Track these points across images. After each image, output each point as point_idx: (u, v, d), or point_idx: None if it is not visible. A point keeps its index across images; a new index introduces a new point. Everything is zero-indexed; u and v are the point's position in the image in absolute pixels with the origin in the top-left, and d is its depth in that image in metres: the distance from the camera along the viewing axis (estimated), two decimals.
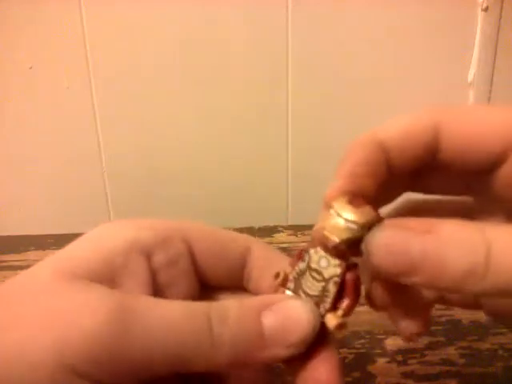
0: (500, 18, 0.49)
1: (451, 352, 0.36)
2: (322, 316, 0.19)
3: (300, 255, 0.20)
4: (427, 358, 0.35)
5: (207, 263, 0.23)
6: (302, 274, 0.19)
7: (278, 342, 0.18)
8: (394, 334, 0.37)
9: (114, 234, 0.21)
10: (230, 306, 0.19)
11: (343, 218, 0.18)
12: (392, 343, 0.37)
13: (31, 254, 0.53)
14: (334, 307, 0.19)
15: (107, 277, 0.19)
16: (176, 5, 0.49)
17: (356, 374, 0.34)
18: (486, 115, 0.19)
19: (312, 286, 0.19)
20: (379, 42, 0.51)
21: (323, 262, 0.19)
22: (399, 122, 0.20)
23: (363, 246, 0.17)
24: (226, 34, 0.50)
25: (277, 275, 0.20)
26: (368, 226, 0.17)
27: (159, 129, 0.54)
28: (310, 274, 0.19)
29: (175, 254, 0.21)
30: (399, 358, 0.36)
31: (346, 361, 0.35)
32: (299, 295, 0.20)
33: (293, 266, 0.20)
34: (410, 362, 0.35)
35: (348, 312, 0.19)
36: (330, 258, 0.19)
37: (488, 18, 0.49)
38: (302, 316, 0.19)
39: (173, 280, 0.21)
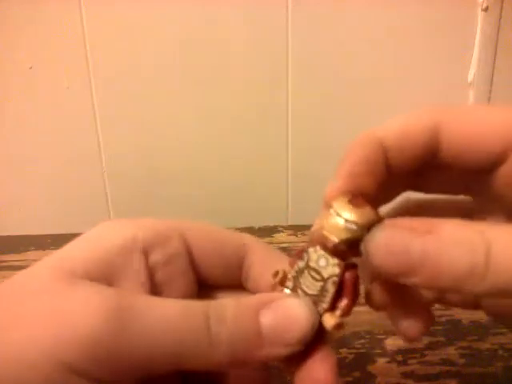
0: (500, 18, 0.49)
1: (451, 352, 0.36)
2: (320, 315, 0.19)
3: (299, 254, 0.20)
4: (427, 358, 0.35)
5: (205, 262, 0.23)
6: (300, 272, 0.19)
7: (275, 340, 0.18)
8: (394, 333, 0.37)
9: (112, 234, 0.21)
10: (227, 304, 0.19)
11: (343, 218, 0.18)
12: (392, 343, 0.37)
13: (31, 254, 0.53)
14: (332, 307, 0.19)
15: (105, 276, 0.19)
16: (176, 5, 0.49)
17: (356, 374, 0.34)
18: (486, 115, 0.19)
19: (310, 286, 0.19)
20: (379, 42, 0.51)
21: (322, 262, 0.19)
22: (398, 121, 0.20)
23: (363, 246, 0.17)
24: (226, 33, 0.50)
25: (275, 274, 0.20)
26: (368, 227, 0.17)
27: (159, 129, 0.54)
28: (309, 273, 0.19)
29: (173, 253, 0.22)
30: (399, 358, 0.36)
31: (346, 361, 0.35)
32: (297, 294, 0.19)
33: (292, 264, 0.20)
34: (409, 361, 0.35)
35: (346, 312, 0.19)
36: (329, 257, 0.19)
37: (488, 18, 0.49)
38: (300, 315, 0.18)
39: (170, 279, 0.21)
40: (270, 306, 0.19)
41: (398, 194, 0.22)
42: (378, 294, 0.19)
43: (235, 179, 0.56)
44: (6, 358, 0.16)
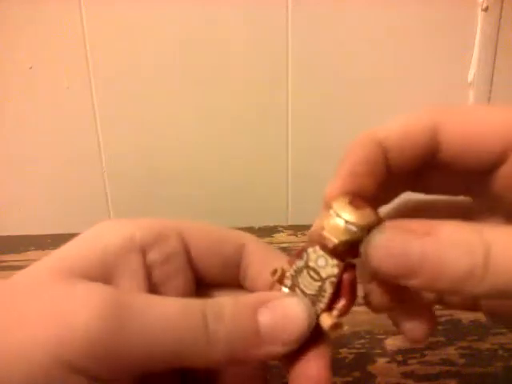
0: (500, 18, 0.49)
1: (451, 352, 0.36)
2: (318, 315, 0.19)
3: (299, 254, 0.20)
4: (427, 358, 0.35)
5: (203, 261, 0.23)
6: (299, 272, 0.19)
7: (273, 339, 0.18)
8: (394, 333, 0.37)
9: (109, 233, 0.21)
10: (225, 303, 0.19)
11: (343, 219, 0.18)
12: (392, 343, 0.37)
13: (31, 254, 0.53)
14: (329, 307, 0.19)
15: (104, 275, 0.20)
16: (176, 5, 0.49)
17: (356, 374, 0.34)
18: (486, 115, 0.19)
19: (309, 285, 0.19)
20: (379, 42, 0.51)
21: (321, 262, 0.19)
22: (398, 121, 0.20)
23: (362, 248, 0.17)
24: (226, 33, 0.50)
25: (274, 272, 0.20)
26: (368, 228, 0.17)
27: (159, 129, 0.54)
28: (308, 273, 0.19)
29: (170, 252, 0.22)
30: (399, 358, 0.36)
31: (346, 361, 0.35)
32: (295, 293, 0.19)
33: (290, 263, 0.20)
34: (410, 362, 0.35)
35: (343, 312, 0.19)
36: (328, 257, 0.19)
37: (488, 18, 0.49)
38: (297, 314, 0.19)
39: (168, 277, 0.22)
40: (268, 304, 0.19)
41: (397, 194, 0.22)
42: (377, 295, 0.19)
43: (235, 179, 0.56)
44: (9, 358, 0.16)
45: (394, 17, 0.50)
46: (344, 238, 0.18)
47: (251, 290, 0.23)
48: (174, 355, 0.17)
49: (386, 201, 0.22)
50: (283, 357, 0.19)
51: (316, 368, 0.19)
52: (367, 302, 0.20)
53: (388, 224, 0.17)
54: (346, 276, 0.19)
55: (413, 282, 0.16)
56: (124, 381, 0.18)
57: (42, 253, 0.53)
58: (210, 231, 0.23)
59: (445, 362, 0.35)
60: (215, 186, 0.56)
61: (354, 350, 0.36)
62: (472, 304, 0.22)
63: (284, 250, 0.48)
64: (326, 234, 0.18)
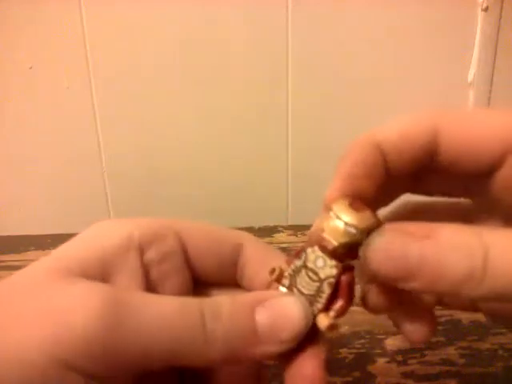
0: (500, 18, 0.49)
1: (451, 352, 0.36)
2: (314, 316, 0.19)
3: (298, 254, 0.20)
4: (427, 358, 0.35)
5: (200, 260, 0.23)
6: (297, 272, 0.19)
7: (270, 338, 0.18)
8: (394, 333, 0.37)
9: (107, 233, 0.21)
10: (222, 301, 0.19)
11: (343, 221, 0.18)
12: (392, 343, 0.37)
13: (31, 254, 0.53)
14: (326, 308, 0.19)
15: (101, 274, 0.20)
16: (176, 5, 0.49)
17: (356, 374, 0.34)
18: (485, 119, 0.19)
19: (306, 285, 0.19)
20: (379, 42, 0.51)
21: (319, 262, 0.19)
22: (397, 124, 0.20)
23: (361, 251, 0.17)
24: (226, 33, 0.50)
25: (272, 271, 0.20)
26: (367, 231, 0.17)
27: (159, 129, 0.54)
28: (306, 273, 0.19)
29: (168, 251, 0.22)
30: (399, 358, 0.36)
31: (346, 361, 0.35)
32: (293, 293, 0.20)
33: (289, 263, 0.20)
34: (410, 362, 0.35)
35: (340, 314, 0.19)
36: (326, 258, 0.19)
37: (488, 18, 0.49)
38: (294, 313, 0.19)
39: (165, 276, 0.22)
40: (266, 303, 0.19)
41: (397, 196, 0.22)
42: (375, 297, 0.19)
43: (235, 179, 0.56)
44: (6, 358, 0.16)
45: (394, 17, 0.50)
46: (343, 240, 0.18)
47: (249, 290, 0.23)
48: (171, 354, 0.17)
49: (386, 203, 0.22)
50: (279, 356, 0.19)
51: (311, 367, 0.19)
52: (364, 303, 0.20)
53: (387, 227, 0.17)
54: (344, 277, 0.19)
55: (412, 285, 0.16)
56: (121, 379, 0.18)
57: (42, 253, 0.53)
58: (207, 231, 0.23)
59: (445, 362, 0.35)
60: (215, 186, 0.56)
61: (354, 350, 0.36)
62: (472, 305, 0.22)
63: (284, 250, 0.48)
64: (325, 235, 0.18)
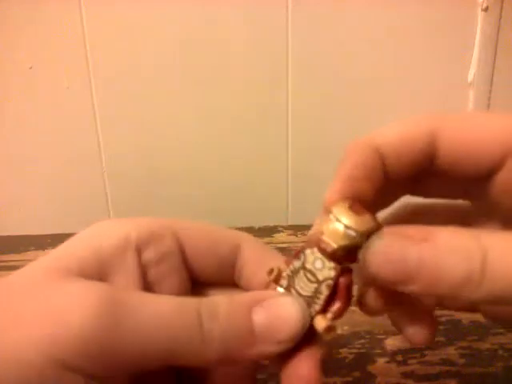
0: (500, 18, 0.49)
1: (451, 352, 0.36)
2: (312, 317, 0.19)
3: (296, 255, 0.20)
4: (427, 358, 0.35)
5: (198, 260, 0.23)
6: (295, 272, 0.19)
7: (267, 338, 0.18)
8: (394, 333, 0.37)
9: (105, 232, 0.21)
10: (220, 301, 0.19)
11: (342, 224, 0.18)
12: (392, 343, 0.37)
13: (31, 254, 0.53)
14: (324, 309, 0.19)
15: (99, 274, 0.20)
16: (176, 5, 0.49)
17: (356, 374, 0.34)
18: (484, 122, 0.19)
19: (305, 287, 0.19)
20: (379, 42, 0.51)
21: (318, 264, 0.19)
22: (396, 127, 0.20)
23: (361, 254, 0.17)
24: (226, 33, 0.50)
25: (270, 271, 0.20)
26: (367, 234, 0.17)
27: (159, 129, 0.54)
28: (304, 274, 0.19)
29: (165, 251, 0.22)
30: (399, 358, 0.36)
31: (346, 361, 0.35)
32: (291, 293, 0.19)
33: (287, 263, 0.20)
34: (410, 362, 0.35)
35: (338, 316, 0.19)
36: (325, 260, 0.19)
37: (488, 18, 0.49)
38: (292, 314, 0.19)
39: (163, 276, 0.22)
40: (263, 303, 0.19)
41: (396, 199, 0.22)
42: (372, 299, 0.19)
43: (235, 179, 0.56)
44: (4, 358, 0.16)
45: (394, 17, 0.50)
46: (343, 242, 0.18)
47: (247, 290, 0.23)
48: (168, 353, 0.17)
49: (385, 205, 0.22)
50: (276, 356, 0.19)
51: (307, 368, 0.19)
52: (360, 305, 0.20)
53: (386, 230, 0.17)
54: (342, 280, 0.19)
55: (411, 288, 0.16)
56: (119, 379, 0.18)
57: (42, 253, 0.53)
58: (205, 231, 0.23)
59: (445, 362, 0.35)
60: (215, 186, 0.56)
61: (354, 350, 0.36)
62: (471, 306, 0.22)
63: (284, 250, 0.48)
64: (325, 238, 0.18)
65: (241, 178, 0.56)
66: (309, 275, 0.19)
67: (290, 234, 0.55)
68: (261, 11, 0.50)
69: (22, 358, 0.16)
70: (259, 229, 0.56)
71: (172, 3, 0.49)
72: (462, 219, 0.21)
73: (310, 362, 0.19)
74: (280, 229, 0.56)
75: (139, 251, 0.21)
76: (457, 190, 0.21)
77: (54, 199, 0.57)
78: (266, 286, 0.20)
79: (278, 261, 0.21)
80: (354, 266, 0.19)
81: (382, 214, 0.21)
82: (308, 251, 0.19)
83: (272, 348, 0.18)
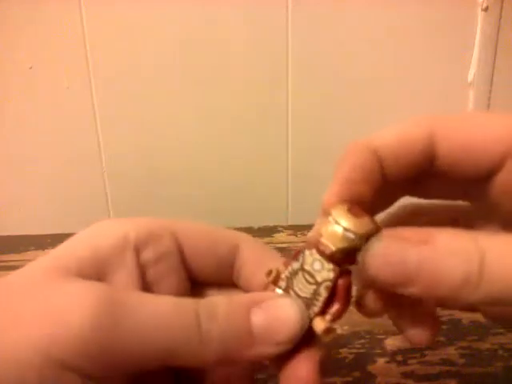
0: (500, 18, 0.49)
1: (451, 352, 0.36)
2: (311, 319, 0.19)
3: (295, 256, 0.20)
4: (427, 358, 0.35)
5: (197, 260, 0.23)
6: (294, 274, 0.19)
7: (266, 339, 0.18)
8: (394, 333, 0.37)
9: (104, 232, 0.21)
10: (218, 302, 0.19)
11: (341, 227, 0.18)
12: (392, 343, 0.37)
13: (31, 254, 0.53)
14: (323, 311, 0.19)
15: (98, 274, 0.20)
16: (176, 5, 0.49)
17: (356, 374, 0.34)
18: (483, 122, 0.19)
19: (303, 288, 0.19)
20: (379, 42, 0.51)
21: (317, 265, 0.19)
22: (395, 130, 0.20)
23: (360, 256, 0.17)
24: (226, 33, 0.50)
25: (269, 273, 0.20)
26: (366, 237, 0.17)
27: (159, 129, 0.54)
28: (303, 276, 0.19)
29: (164, 251, 0.22)
30: (399, 357, 0.36)
31: (346, 361, 0.35)
32: (289, 295, 0.19)
33: (286, 265, 0.20)
34: (410, 361, 0.35)
35: (336, 317, 0.19)
36: (324, 261, 0.19)
37: (488, 18, 0.49)
38: (290, 315, 0.19)
39: (162, 276, 0.22)
40: (262, 304, 0.19)
41: (395, 199, 0.22)
42: (372, 301, 0.19)
43: (235, 179, 0.56)
44: (4, 358, 0.16)
45: (394, 17, 0.50)
46: (342, 245, 0.18)
47: (246, 290, 0.23)
48: (166, 353, 0.17)
49: (385, 206, 0.22)
50: (275, 357, 0.19)
51: (306, 369, 0.19)
52: (359, 307, 0.20)
53: (385, 232, 0.17)
54: (341, 281, 0.19)
55: (410, 290, 0.16)
56: (117, 379, 0.18)
57: (42, 253, 0.53)
58: (204, 231, 0.23)
59: (445, 362, 0.35)
60: (215, 186, 0.56)
61: (354, 350, 0.36)
62: (471, 306, 0.22)
63: (284, 250, 0.48)
64: (324, 240, 0.18)
65: (241, 178, 0.56)
66: (307, 277, 0.19)
67: (290, 234, 0.55)
68: (261, 11, 0.50)
69: (21, 358, 0.16)
70: (259, 229, 0.56)
71: (172, 3, 0.49)
72: (463, 220, 0.21)
73: (308, 363, 0.19)
74: (280, 229, 0.56)
75: (138, 251, 0.21)
76: (456, 191, 0.21)
77: (54, 199, 0.57)
78: (265, 288, 0.20)
79: (276, 261, 0.21)
80: (352, 267, 0.19)
81: (382, 214, 0.21)
82: (307, 253, 0.19)
83: (270, 349, 0.18)
